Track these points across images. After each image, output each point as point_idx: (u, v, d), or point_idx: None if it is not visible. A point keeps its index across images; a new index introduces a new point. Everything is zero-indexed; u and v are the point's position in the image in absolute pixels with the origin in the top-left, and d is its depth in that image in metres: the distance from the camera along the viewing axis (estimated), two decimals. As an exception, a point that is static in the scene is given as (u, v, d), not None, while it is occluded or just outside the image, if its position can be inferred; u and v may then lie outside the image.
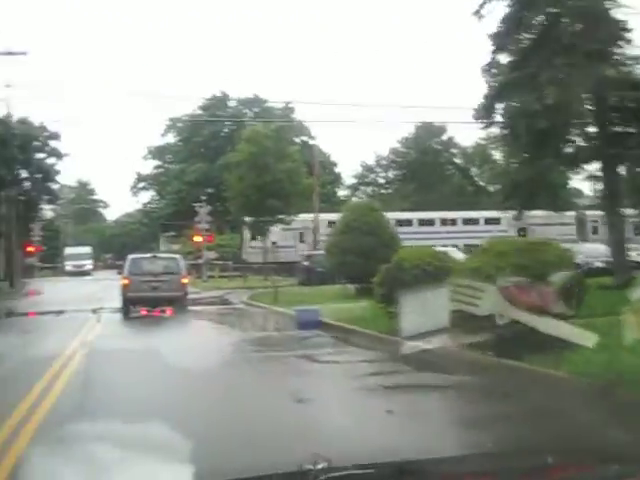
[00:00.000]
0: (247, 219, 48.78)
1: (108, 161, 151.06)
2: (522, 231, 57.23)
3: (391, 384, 11.56)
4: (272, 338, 19.01)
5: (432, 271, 15.73)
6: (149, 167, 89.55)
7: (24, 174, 42.14)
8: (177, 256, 26.55)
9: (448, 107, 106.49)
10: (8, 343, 17.23)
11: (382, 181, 72.58)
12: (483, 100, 24.15)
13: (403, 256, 16.57)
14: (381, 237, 26.69)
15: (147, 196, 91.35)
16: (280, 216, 47.23)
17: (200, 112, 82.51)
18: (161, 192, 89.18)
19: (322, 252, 47.61)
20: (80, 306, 30.20)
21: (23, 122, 41.26)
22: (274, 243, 51.53)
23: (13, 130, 37.35)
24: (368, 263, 26.10)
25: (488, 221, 57.59)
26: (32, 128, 40.97)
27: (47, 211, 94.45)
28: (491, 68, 24.18)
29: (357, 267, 26.05)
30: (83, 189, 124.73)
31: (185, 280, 25.27)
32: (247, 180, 45.40)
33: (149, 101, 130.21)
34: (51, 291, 44.99)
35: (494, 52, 24.07)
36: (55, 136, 44.06)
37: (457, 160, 72.86)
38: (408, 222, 55.77)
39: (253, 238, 52.72)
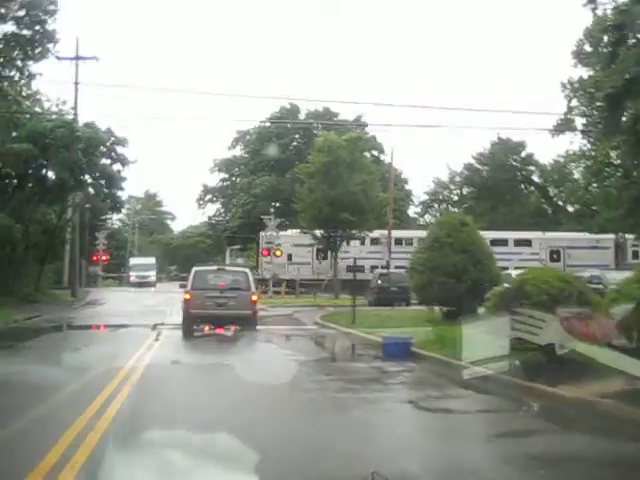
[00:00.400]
0: (318, 233, 45.71)
1: (175, 173, 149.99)
2: (555, 254, 53.15)
3: (539, 452, 8.32)
4: (357, 370, 15.91)
5: (563, 298, 12.54)
6: (215, 180, 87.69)
7: (88, 180, 39.66)
8: (246, 269, 23.68)
9: (527, 118, 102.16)
10: (50, 366, 14.49)
11: (456, 198, 69.12)
12: (603, 101, 20.65)
13: (527, 278, 13.29)
14: (474, 256, 23.42)
15: (213, 209, 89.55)
16: (353, 231, 44.07)
17: (268, 124, 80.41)
18: (227, 205, 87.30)
19: (395, 271, 45.08)
20: (140, 320, 27.92)
21: (89, 126, 39.03)
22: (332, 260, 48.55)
23: (77, 132, 35.04)
24: (458, 284, 23.09)
25: (518, 243, 53.66)
26: (98, 132, 38.53)
27: (114, 221, 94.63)
28: (611, 63, 20.73)
29: (447, 288, 22.90)
30: (150, 200, 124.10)
31: (255, 297, 22.41)
32: (319, 192, 42.50)
33: (218, 113, 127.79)
34: (113, 302, 42.80)
35: (614, 44, 20.67)
36: (122, 142, 41.66)
37: (535, 178, 68.96)
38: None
39: (324, 255, 49.48)
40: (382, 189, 49.31)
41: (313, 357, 17.97)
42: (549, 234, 55.63)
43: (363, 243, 49.43)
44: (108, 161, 42.11)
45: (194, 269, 22.74)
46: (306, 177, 44.96)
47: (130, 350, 16.92)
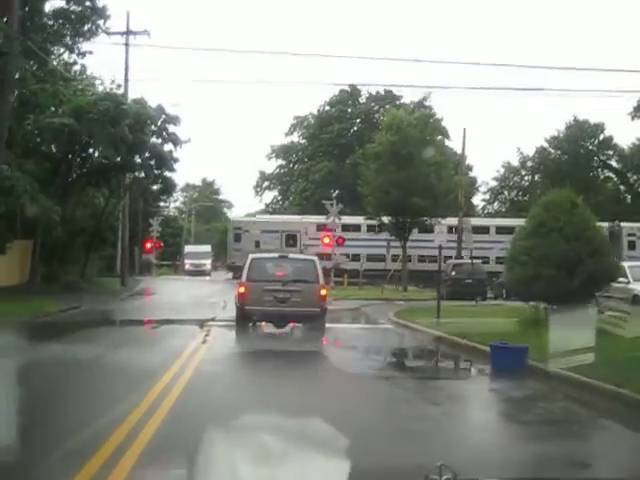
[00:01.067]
0: (385, 219, 41.19)
1: (232, 160, 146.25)
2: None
3: None
4: (472, 396, 11.65)
5: None
6: (273, 166, 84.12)
7: (137, 160, 35.87)
8: (314, 257, 19.36)
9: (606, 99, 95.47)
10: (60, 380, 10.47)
11: (527, 185, 63.95)
12: None
13: None
14: (590, 244, 18.84)
15: (270, 196, 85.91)
16: (424, 218, 39.55)
17: (328, 108, 76.27)
18: (285, 192, 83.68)
19: (469, 261, 40.50)
20: (189, 314, 24.20)
21: (137, 102, 35.22)
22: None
23: (123, 106, 31.18)
24: (571, 278, 18.56)
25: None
26: (147, 108, 34.67)
27: (170, 208, 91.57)
28: None
29: (556, 282, 18.39)
30: (208, 188, 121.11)
31: (324, 291, 18.16)
32: (387, 174, 38.05)
33: (274, 98, 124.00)
34: (163, 292, 39.10)
35: None
36: (173, 120, 37.83)
37: (614, 163, 63.38)
38: None
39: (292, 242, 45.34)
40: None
41: (405, 372, 13.67)
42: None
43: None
44: (159, 141, 38.49)
45: (250, 257, 18.47)
46: (372, 158, 40.53)
47: (165, 360, 12.78)
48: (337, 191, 65.20)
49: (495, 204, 68.09)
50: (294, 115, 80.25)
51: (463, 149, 42.84)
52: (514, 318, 19.39)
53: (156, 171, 38.16)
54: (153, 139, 37.59)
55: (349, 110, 75.60)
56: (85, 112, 30.79)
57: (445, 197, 39.05)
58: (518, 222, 48.39)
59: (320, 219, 47.09)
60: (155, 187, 40.73)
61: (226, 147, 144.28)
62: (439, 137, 42.27)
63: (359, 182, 44.18)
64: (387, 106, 72.42)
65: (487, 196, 64.70)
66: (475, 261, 39.57)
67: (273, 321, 18.17)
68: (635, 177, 62.59)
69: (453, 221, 43.71)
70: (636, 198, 61.62)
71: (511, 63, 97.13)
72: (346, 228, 47.42)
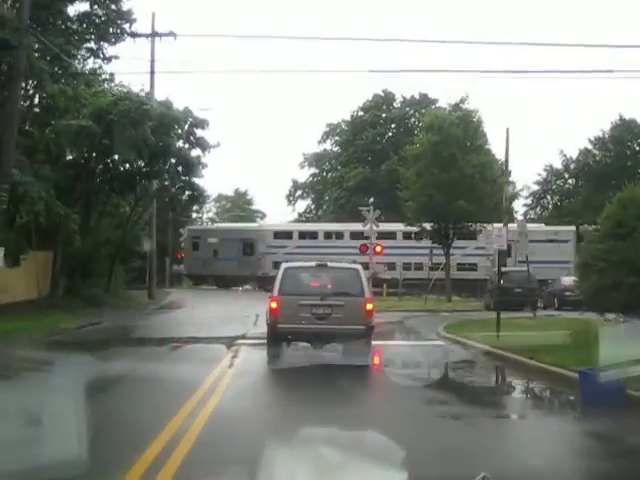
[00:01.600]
0: (427, 226, 38.29)
1: (265, 170, 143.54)
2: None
3: None
4: (569, 440, 8.82)
5: None
6: (305, 175, 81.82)
7: (163, 166, 33.51)
8: (357, 266, 15.91)
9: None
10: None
11: (571, 188, 60.60)
12: None
13: None
14: (679, 246, 15.93)
15: (303, 205, 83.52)
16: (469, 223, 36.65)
17: (361, 114, 73.72)
18: (318, 201, 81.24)
19: (519, 269, 37.53)
20: (217, 331, 21.73)
21: (162, 104, 32.90)
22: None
23: (145, 106, 28.82)
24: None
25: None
26: (172, 109, 32.31)
27: (204, 219, 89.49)
28: None
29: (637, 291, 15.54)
30: (240, 199, 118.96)
31: (370, 305, 15.33)
32: (428, 176, 35.25)
33: (306, 105, 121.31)
34: (193, 305, 36.50)
35: None
36: (201, 123, 35.47)
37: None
38: None
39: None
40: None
41: (476, 407, 10.89)
42: None
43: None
44: (186, 146, 36.15)
45: (283, 266, 15.69)
46: (413, 160, 37.79)
47: (180, 394, 10.15)
48: (372, 198, 62.50)
49: (537, 209, 64.92)
50: (327, 122, 77.89)
51: (507, 149, 39.67)
52: (588, 333, 16.47)
53: (184, 177, 35.92)
54: (179, 144, 35.32)
55: (383, 115, 73.00)
56: (106, 113, 28.54)
57: (491, 200, 36.12)
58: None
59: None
60: (184, 196, 38.10)
61: (259, 157, 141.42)
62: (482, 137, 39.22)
63: (397, 187, 41.48)
64: (423, 110, 70.04)
65: (529, 201, 61.42)
66: (525, 268, 36.76)
67: (310, 341, 15.48)
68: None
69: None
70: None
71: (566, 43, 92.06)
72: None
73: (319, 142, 79.25)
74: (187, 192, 36.58)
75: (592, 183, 57.97)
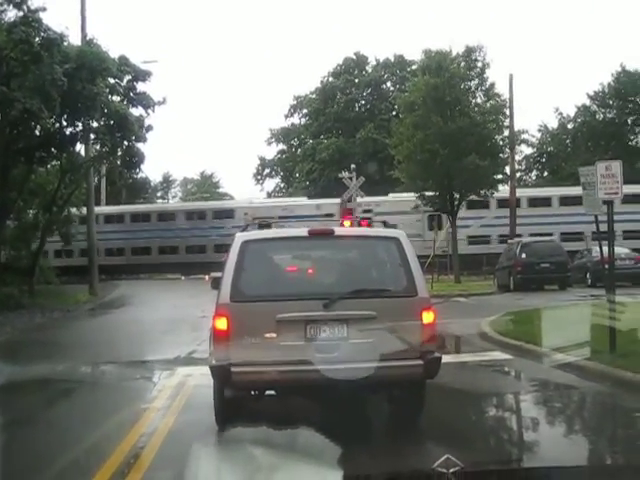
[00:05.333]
0: (428, 193, 30.05)
1: (230, 150, 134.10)
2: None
3: None
4: None
5: None
6: (273, 152, 73.83)
7: (92, 124, 25.28)
8: (398, 233, 7.49)
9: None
10: None
11: (569, 150, 52.91)
12: None
13: None
14: None
15: (272, 184, 75.62)
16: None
17: (332, 80, 65.53)
18: (288, 178, 73.24)
19: (543, 239, 29.97)
20: (160, 344, 14.82)
21: (90, 43, 24.66)
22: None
23: (52, 35, 20.48)
24: None
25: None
26: (101, 53, 23.96)
27: (169, 203, 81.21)
28: None
29: None
30: (206, 182, 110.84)
31: (430, 315, 7.04)
32: (429, 128, 27.27)
33: (271, 78, 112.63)
34: (143, 301, 28.20)
35: None
36: (143, 75, 27.17)
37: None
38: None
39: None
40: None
41: None
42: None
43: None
44: (124, 102, 27.88)
45: (239, 239, 7.29)
46: (407, 109, 29.61)
47: None
48: (346, 173, 54.84)
49: (533, 174, 57.30)
50: (294, 95, 69.57)
51: (511, 99, 31.92)
52: None
53: (125, 142, 27.67)
54: (116, 98, 27.14)
55: (356, 80, 64.90)
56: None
57: (504, 154, 28.30)
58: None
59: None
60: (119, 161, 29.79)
61: (224, 137, 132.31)
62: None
63: (382, 150, 33.51)
64: (398, 72, 62.25)
65: (522, 166, 53.65)
66: (551, 238, 29.16)
67: (305, 394, 7.39)
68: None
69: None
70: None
71: None
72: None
73: (286, 116, 71.08)
74: (121, 155, 28.10)
75: (593, 143, 50.44)
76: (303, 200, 46.83)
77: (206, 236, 42.71)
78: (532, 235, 32.69)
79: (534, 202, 37.51)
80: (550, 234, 32.11)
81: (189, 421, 8.03)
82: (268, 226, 7.91)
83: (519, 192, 35.29)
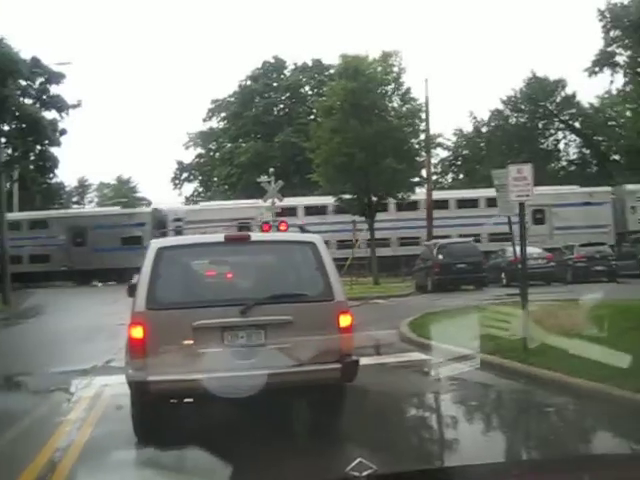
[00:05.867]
0: (345, 196, 30.19)
1: (148, 155, 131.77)
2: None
3: None
4: None
5: None
6: (191, 156, 72.79)
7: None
8: (314, 237, 7.53)
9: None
10: None
11: (484, 153, 54.14)
12: None
13: None
14: None
15: (191, 188, 74.69)
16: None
17: (250, 83, 65.29)
18: (206, 182, 72.56)
19: (460, 240, 30.55)
20: (71, 355, 14.23)
21: (-1, 43, 24.07)
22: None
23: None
24: None
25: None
26: (12, 54, 23.28)
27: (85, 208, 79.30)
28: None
29: None
30: (123, 186, 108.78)
31: (348, 320, 6.97)
32: (347, 132, 27.46)
33: (190, 84, 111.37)
34: (59, 311, 27.33)
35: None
36: (57, 78, 26.45)
37: (577, 124, 54.22)
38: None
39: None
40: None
41: None
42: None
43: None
44: (37, 105, 27.12)
45: (154, 246, 7.11)
46: (325, 114, 29.75)
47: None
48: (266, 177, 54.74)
49: (449, 177, 58.35)
50: (212, 98, 68.89)
51: (427, 103, 32.46)
52: None
53: (38, 147, 26.92)
54: (28, 101, 26.40)
55: (274, 84, 64.81)
56: None
57: (421, 157, 28.75)
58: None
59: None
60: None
61: (140, 142, 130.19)
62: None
63: (300, 153, 33.58)
64: (316, 76, 62.51)
65: (438, 169, 54.58)
66: (468, 239, 29.73)
67: (223, 401, 7.28)
68: (600, 138, 53.67)
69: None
70: (604, 162, 52.71)
71: None
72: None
73: (205, 120, 70.48)
74: (33, 160, 27.30)
75: (505, 146, 51.76)
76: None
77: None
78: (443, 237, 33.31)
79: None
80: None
81: (107, 433, 7.84)
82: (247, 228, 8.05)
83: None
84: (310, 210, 38.06)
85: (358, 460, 2.68)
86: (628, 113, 47.12)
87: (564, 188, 41.35)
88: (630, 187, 41.46)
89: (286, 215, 36.62)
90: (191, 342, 6.63)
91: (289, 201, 36.96)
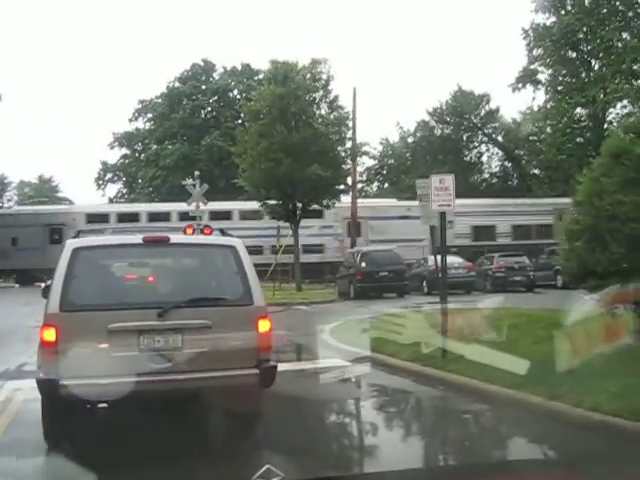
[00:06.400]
0: (271, 202, 30.08)
1: (71, 154, 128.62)
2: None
3: None
4: None
5: None
6: (116, 156, 71.39)
7: None
8: (234, 241, 7.44)
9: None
10: None
11: (409, 163, 54.90)
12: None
13: None
14: None
15: (114, 189, 73.32)
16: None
17: (178, 85, 64.58)
18: (131, 184, 71.34)
19: (382, 249, 30.77)
20: None
21: None
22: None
23: None
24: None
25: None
26: None
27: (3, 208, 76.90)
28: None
29: None
30: (44, 185, 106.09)
31: (265, 324, 6.95)
32: (274, 137, 27.41)
33: (116, 82, 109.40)
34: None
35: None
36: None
37: (499, 138, 55.51)
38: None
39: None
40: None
41: None
42: None
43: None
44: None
45: (69, 246, 6.92)
46: (253, 118, 29.66)
47: None
48: (191, 179, 54.05)
49: (374, 186, 58.92)
50: (139, 99, 67.84)
51: (354, 111, 32.74)
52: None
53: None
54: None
55: (203, 87, 64.27)
56: None
57: (347, 165, 28.92)
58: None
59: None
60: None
61: (63, 140, 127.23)
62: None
63: (227, 157, 33.32)
64: (245, 80, 62.20)
65: (363, 177, 55.14)
66: (390, 247, 29.98)
67: (138, 406, 7.13)
68: (521, 152, 55.07)
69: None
70: (525, 175, 54.11)
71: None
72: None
73: (130, 120, 69.30)
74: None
75: (430, 157, 52.64)
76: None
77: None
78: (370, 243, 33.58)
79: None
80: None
81: (16, 439, 7.58)
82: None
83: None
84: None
85: (266, 467, 2.66)
86: (548, 129, 48.52)
87: (383, 201, 42.17)
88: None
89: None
90: (106, 345, 6.49)
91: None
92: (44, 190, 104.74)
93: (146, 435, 7.38)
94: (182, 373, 6.50)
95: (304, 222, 33.15)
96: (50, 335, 6.44)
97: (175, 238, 7.49)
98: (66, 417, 6.79)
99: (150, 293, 7.28)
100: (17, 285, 41.39)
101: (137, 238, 7.34)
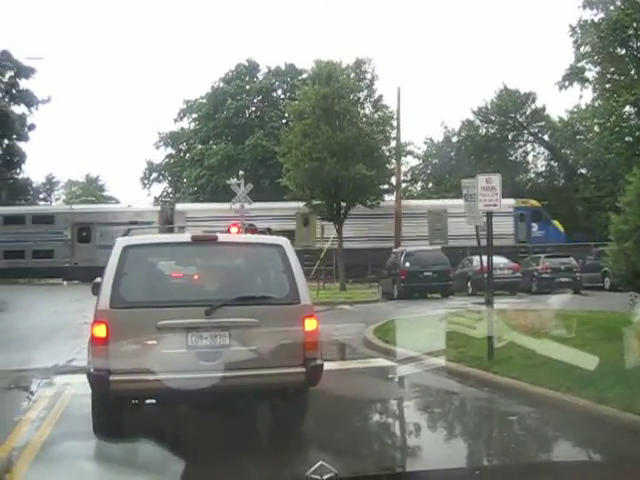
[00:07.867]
0: (316, 202, 30.21)
1: (118, 153, 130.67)
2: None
3: None
4: None
5: None
6: (161, 156, 72.02)
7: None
8: (281, 240, 7.41)
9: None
10: None
11: (454, 163, 54.67)
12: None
13: None
14: None
15: (160, 188, 73.94)
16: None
17: (222, 85, 65.02)
18: (176, 183, 72.04)
19: (427, 248, 30.62)
20: (40, 352, 13.43)
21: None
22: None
23: None
24: None
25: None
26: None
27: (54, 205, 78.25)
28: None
29: None
30: (92, 185, 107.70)
31: (312, 323, 6.96)
32: (318, 137, 27.48)
33: (162, 83, 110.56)
34: (23, 307, 26.94)
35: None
36: (27, 72, 26.11)
37: (546, 137, 54.91)
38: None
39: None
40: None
41: None
42: None
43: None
44: (6, 99, 26.82)
45: (120, 244, 7.04)
46: (296, 118, 29.78)
47: None
48: (235, 179, 54.40)
49: (418, 185, 58.73)
50: (184, 99, 68.45)
51: (398, 111, 32.65)
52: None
53: (6, 141, 26.60)
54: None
55: (247, 87, 64.58)
56: None
57: (391, 165, 28.85)
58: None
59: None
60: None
61: (110, 140, 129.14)
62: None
63: (271, 157, 33.49)
64: (289, 80, 62.45)
65: (408, 177, 54.92)
66: (435, 247, 29.83)
67: (186, 402, 7.24)
68: (567, 151, 54.29)
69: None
70: (572, 175, 53.35)
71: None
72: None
73: (176, 120, 69.97)
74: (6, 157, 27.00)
75: (475, 156, 52.16)
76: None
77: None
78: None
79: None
80: None
81: (66, 432, 7.74)
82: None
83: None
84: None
85: (319, 463, 2.68)
86: (596, 128, 47.71)
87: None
88: (179, 206, 42.06)
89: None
90: (154, 342, 6.59)
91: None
92: (91, 189, 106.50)
93: (194, 431, 7.48)
94: (229, 371, 6.55)
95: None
96: (101, 331, 6.58)
97: (223, 237, 7.56)
98: (115, 412, 6.92)
99: (198, 291, 7.35)
100: (64, 282, 42.05)
101: (186, 236, 7.51)
